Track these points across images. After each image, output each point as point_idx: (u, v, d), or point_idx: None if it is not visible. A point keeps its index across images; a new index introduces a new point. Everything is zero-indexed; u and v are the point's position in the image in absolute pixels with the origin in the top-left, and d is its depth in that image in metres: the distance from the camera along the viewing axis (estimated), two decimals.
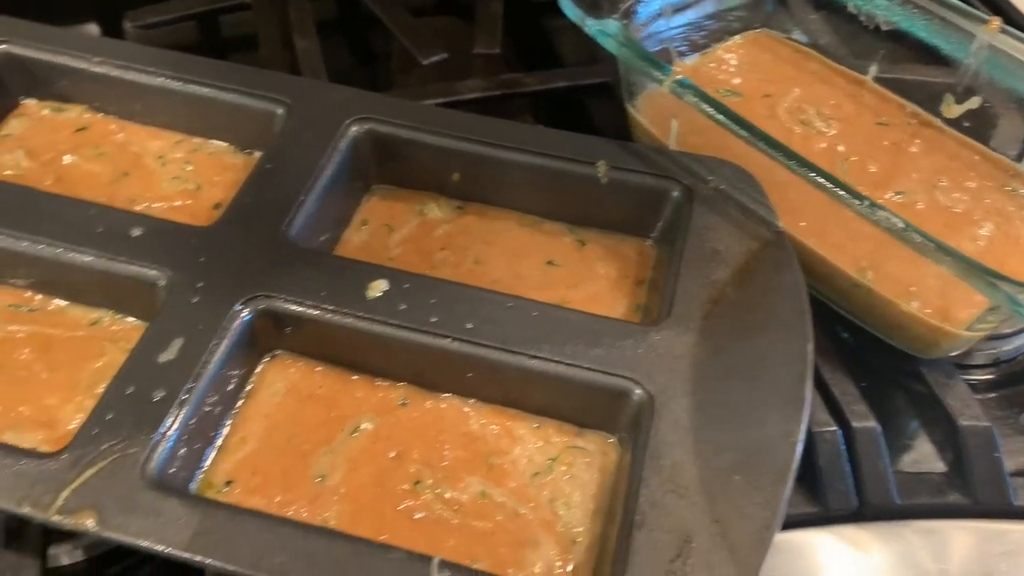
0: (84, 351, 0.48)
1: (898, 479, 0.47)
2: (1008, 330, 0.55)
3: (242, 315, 0.46)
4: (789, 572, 0.45)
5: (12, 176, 0.55)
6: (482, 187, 0.56)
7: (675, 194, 0.53)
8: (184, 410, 0.42)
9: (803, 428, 0.41)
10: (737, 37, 0.68)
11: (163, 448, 0.41)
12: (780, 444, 0.41)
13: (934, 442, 0.51)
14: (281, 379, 0.47)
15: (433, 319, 0.46)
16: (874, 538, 0.46)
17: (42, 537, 0.46)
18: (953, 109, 0.61)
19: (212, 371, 0.44)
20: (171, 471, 0.42)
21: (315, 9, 0.73)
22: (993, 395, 0.54)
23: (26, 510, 0.39)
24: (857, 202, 0.46)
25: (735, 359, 0.45)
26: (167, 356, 0.44)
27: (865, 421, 0.48)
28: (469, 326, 0.46)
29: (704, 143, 0.58)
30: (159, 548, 0.38)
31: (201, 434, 0.44)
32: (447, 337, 0.46)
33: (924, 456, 0.51)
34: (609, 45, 0.55)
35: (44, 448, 0.43)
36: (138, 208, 0.53)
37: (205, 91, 0.57)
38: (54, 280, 0.49)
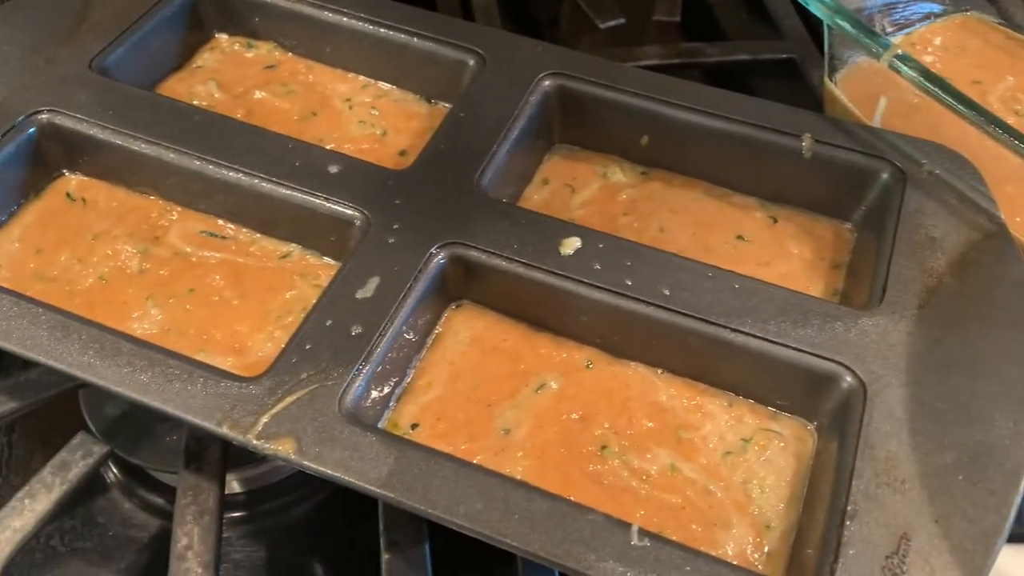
0: (274, 282, 0.48)
1: None
2: None
3: (437, 259, 0.45)
4: None
5: (205, 106, 0.56)
6: (671, 153, 0.54)
7: (884, 176, 0.50)
8: (380, 348, 0.42)
9: None
10: (944, 18, 0.64)
11: (359, 383, 0.41)
12: (1012, 446, 0.38)
13: None
14: (466, 328, 0.47)
15: (628, 281, 0.45)
16: None
17: (221, 461, 0.47)
18: None
19: (406, 312, 0.43)
20: (364, 407, 0.41)
21: None
22: None
23: (225, 431, 0.39)
24: None
25: (955, 352, 0.42)
26: (364, 293, 0.43)
27: None
28: (666, 292, 0.44)
29: (908, 126, 0.55)
30: (357, 483, 0.37)
31: (391, 374, 0.43)
32: (642, 301, 0.44)
33: None
34: (822, 13, 0.52)
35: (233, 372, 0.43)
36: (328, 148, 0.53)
37: (398, 37, 0.56)
38: (248, 210, 0.50)
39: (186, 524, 0.44)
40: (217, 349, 0.45)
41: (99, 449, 0.48)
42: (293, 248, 0.49)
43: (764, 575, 0.38)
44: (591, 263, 0.45)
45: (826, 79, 0.58)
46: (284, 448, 0.38)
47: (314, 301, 0.44)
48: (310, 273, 0.48)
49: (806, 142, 0.51)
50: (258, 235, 0.50)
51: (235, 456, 0.48)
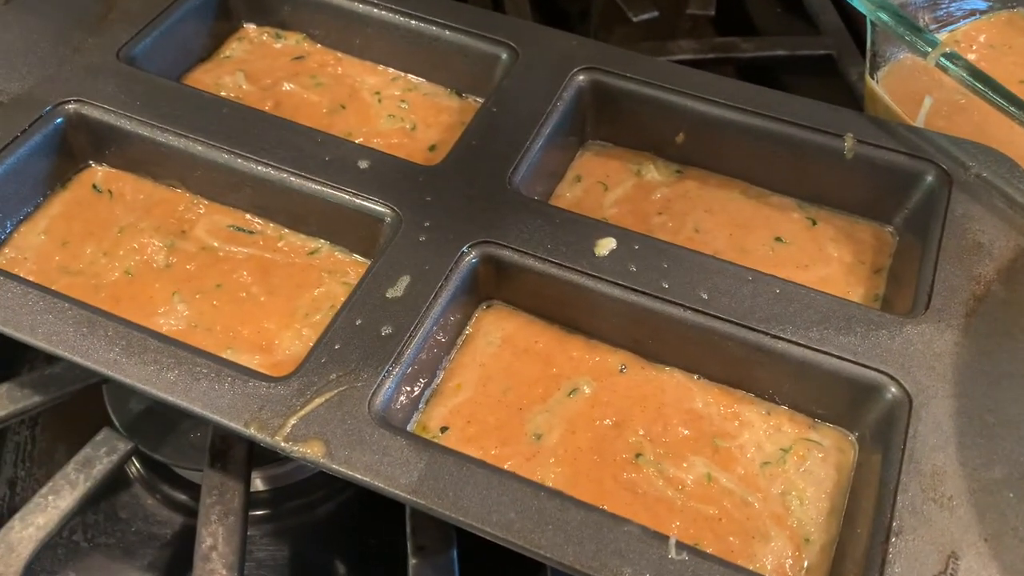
0: (302, 279, 0.47)
1: None
2: None
3: (468, 259, 0.44)
4: None
5: (233, 98, 0.55)
6: (706, 151, 0.53)
7: (929, 178, 0.48)
8: (410, 349, 0.41)
9: None
10: (989, 15, 0.62)
11: (389, 385, 0.40)
12: None
13: None
14: (497, 329, 0.46)
15: (664, 284, 0.44)
16: None
17: (247, 460, 0.46)
18: None
19: (436, 313, 0.42)
20: (394, 410, 0.40)
21: None
22: None
23: (252, 432, 0.38)
24: None
25: (1006, 363, 0.40)
26: (394, 292, 0.42)
27: None
28: (704, 296, 0.43)
29: (951, 127, 0.53)
30: (387, 488, 0.36)
31: (421, 376, 0.42)
32: (679, 305, 0.43)
33: None
34: (865, 8, 0.51)
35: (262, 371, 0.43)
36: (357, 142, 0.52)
37: (429, 29, 0.55)
38: (276, 205, 0.49)
39: (211, 524, 0.43)
40: (244, 347, 0.45)
41: (123, 446, 0.47)
42: (322, 244, 0.49)
43: None
44: (627, 264, 0.44)
45: (867, 77, 0.56)
46: (313, 451, 0.37)
47: (342, 299, 0.43)
48: (338, 270, 0.48)
49: (848, 142, 0.49)
50: (286, 230, 0.49)
51: (259, 454, 0.48)
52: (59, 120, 0.50)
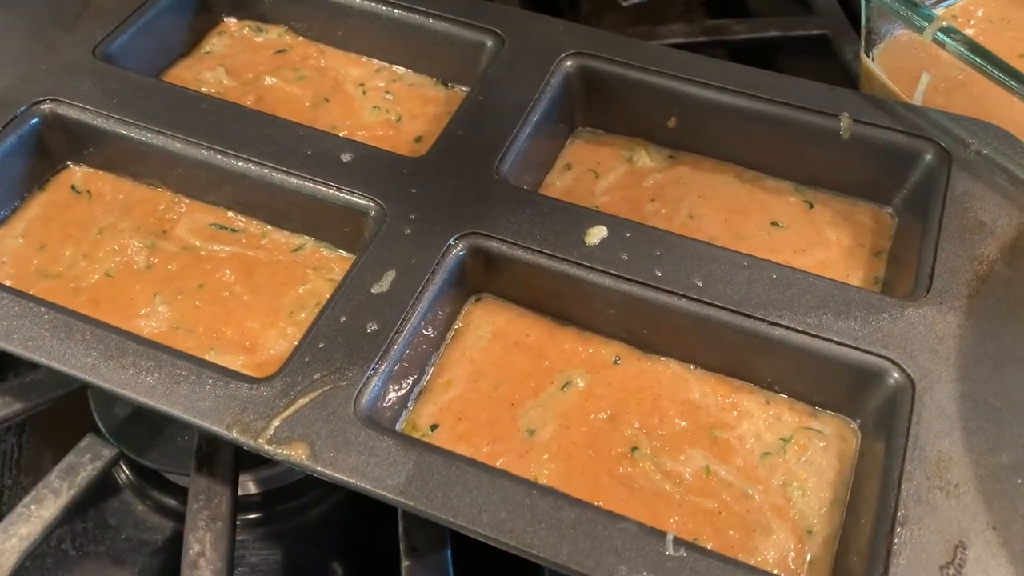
0: (286, 277, 0.46)
1: None
2: None
3: (456, 251, 0.43)
4: None
5: (213, 94, 0.54)
6: (699, 135, 0.52)
7: (928, 157, 0.47)
8: (397, 345, 0.40)
9: None
10: None
11: (375, 383, 0.39)
12: None
13: None
14: (487, 323, 0.44)
15: (658, 272, 0.42)
16: None
17: (234, 464, 0.45)
18: None
19: (424, 307, 0.41)
20: (381, 408, 0.39)
21: None
22: None
23: (235, 435, 0.37)
24: None
25: (1010, 345, 0.39)
26: (380, 288, 0.41)
27: None
28: (698, 283, 0.42)
29: (949, 103, 0.52)
30: (373, 490, 0.35)
31: (409, 373, 0.41)
32: (673, 293, 0.42)
33: None
34: None
35: (245, 372, 0.41)
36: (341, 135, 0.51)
37: (413, 18, 0.54)
38: (259, 202, 0.47)
39: (198, 530, 0.42)
40: (227, 347, 0.43)
41: (108, 452, 0.46)
42: (306, 240, 0.47)
43: None
44: (618, 253, 0.43)
45: (863, 55, 0.55)
46: (296, 454, 0.36)
47: (328, 296, 0.42)
48: (323, 266, 0.46)
49: (844, 122, 0.48)
50: (269, 227, 0.48)
51: (248, 457, 0.47)
52: (34, 120, 0.49)
